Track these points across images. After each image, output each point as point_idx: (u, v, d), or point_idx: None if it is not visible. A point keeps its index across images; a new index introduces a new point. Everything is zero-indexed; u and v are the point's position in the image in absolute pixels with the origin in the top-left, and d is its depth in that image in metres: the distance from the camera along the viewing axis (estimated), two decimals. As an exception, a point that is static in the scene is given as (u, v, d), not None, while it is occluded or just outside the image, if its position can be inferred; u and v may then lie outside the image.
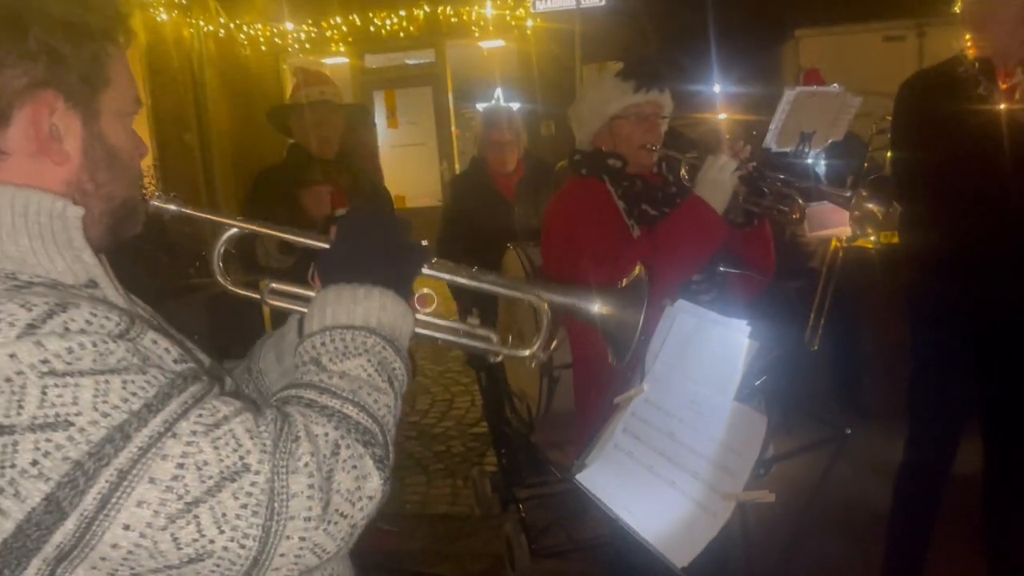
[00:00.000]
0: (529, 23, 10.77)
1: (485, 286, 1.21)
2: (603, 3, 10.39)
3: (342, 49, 11.47)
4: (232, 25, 11.02)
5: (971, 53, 2.61)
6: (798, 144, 2.10)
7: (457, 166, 11.16)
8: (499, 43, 11.29)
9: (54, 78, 0.93)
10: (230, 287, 1.18)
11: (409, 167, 11.63)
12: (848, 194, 1.91)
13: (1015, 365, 2.68)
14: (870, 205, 1.91)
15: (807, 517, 3.83)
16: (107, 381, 0.80)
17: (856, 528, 3.27)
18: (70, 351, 0.79)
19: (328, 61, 11.75)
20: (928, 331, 2.75)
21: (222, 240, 1.16)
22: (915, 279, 2.80)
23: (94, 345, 0.81)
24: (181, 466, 0.80)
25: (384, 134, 11.70)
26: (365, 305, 1.01)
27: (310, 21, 11.20)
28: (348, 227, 1.09)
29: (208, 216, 1.16)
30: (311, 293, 1.11)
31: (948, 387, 2.73)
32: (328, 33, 11.28)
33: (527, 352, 1.24)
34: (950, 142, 2.49)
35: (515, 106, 11.14)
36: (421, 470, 4.59)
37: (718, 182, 2.02)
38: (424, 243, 1.13)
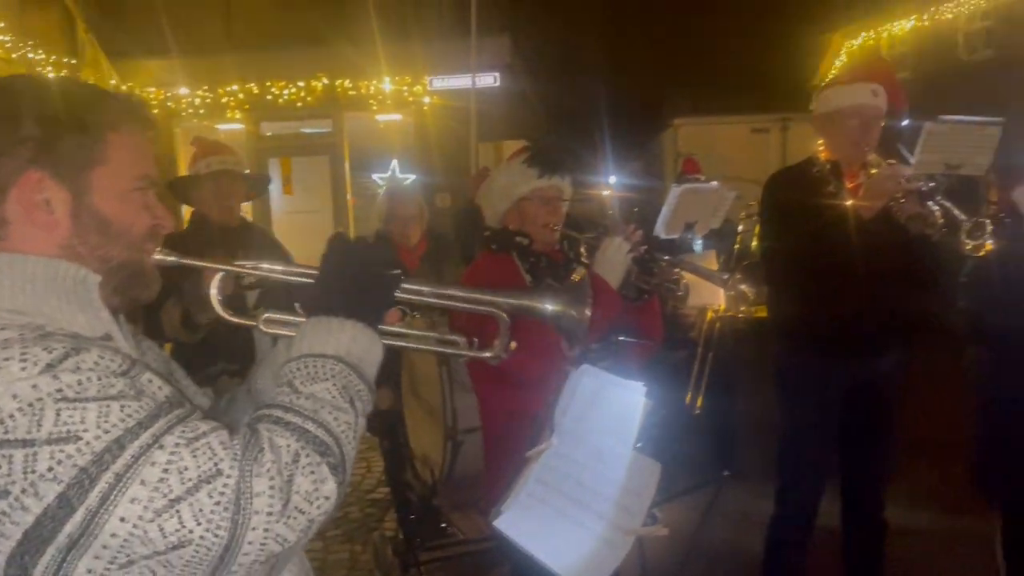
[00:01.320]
0: (426, 99, 11.17)
1: (449, 303, 1.40)
2: (497, 84, 10.91)
3: (238, 116, 11.51)
4: (124, 88, 10.89)
5: (823, 155, 3.04)
6: (683, 231, 2.41)
7: (352, 233, 11.27)
8: (396, 117, 11.61)
9: (42, 160, 1.14)
10: (229, 318, 1.36)
11: (304, 234, 11.63)
12: (725, 276, 2.21)
13: (867, 428, 3.05)
14: (743, 287, 2.22)
15: (692, 562, 4.10)
16: (108, 406, 1.00)
17: (738, 569, 3.51)
18: (79, 383, 1.00)
19: (223, 127, 11.74)
20: (792, 397, 3.09)
21: (215, 282, 1.36)
22: (781, 351, 3.15)
23: (99, 379, 1.02)
24: (166, 471, 0.99)
25: (279, 201, 11.71)
26: (338, 336, 1.21)
27: (206, 87, 11.22)
28: (328, 260, 1.28)
29: (203, 264, 1.37)
30: (300, 319, 1.29)
31: (811, 447, 3.06)
32: (224, 100, 11.31)
33: (490, 354, 1.43)
34: (808, 232, 2.87)
35: (411, 177, 11.48)
36: (318, 536, 4.55)
37: (614, 261, 2.30)
38: (397, 272, 1.31)
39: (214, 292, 1.35)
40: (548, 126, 17.93)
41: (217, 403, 1.43)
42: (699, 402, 4.80)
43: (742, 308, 2.21)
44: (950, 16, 16.88)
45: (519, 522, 1.68)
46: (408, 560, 3.92)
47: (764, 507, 3.25)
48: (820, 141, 3.06)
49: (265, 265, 1.35)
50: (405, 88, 11.15)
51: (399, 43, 10.44)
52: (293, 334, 1.27)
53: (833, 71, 20.28)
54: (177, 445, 1.00)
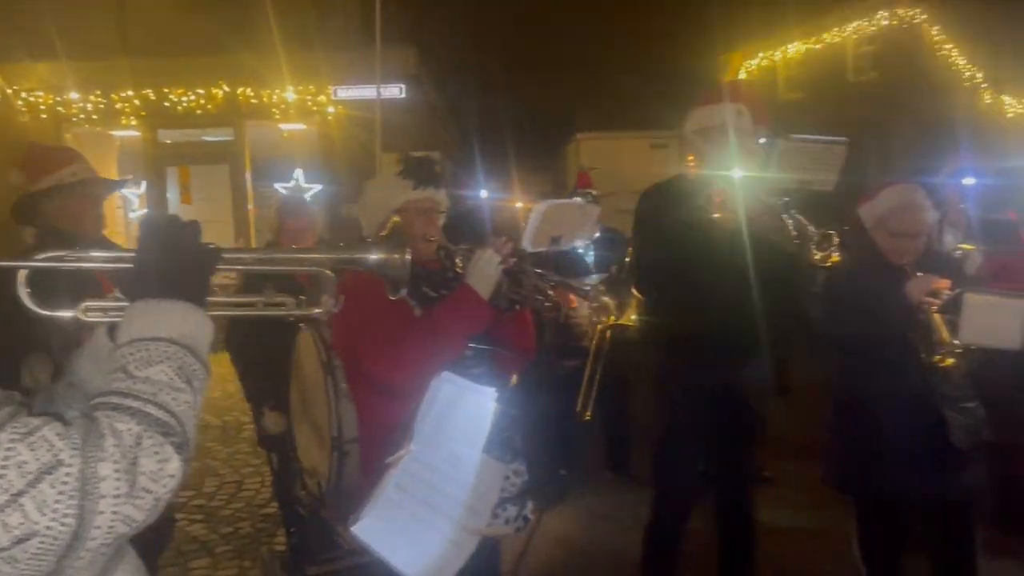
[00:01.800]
0: (331, 109, 11.08)
1: (273, 267, 1.43)
2: (403, 96, 10.92)
3: (134, 122, 11.15)
4: (10, 91, 10.42)
5: (694, 171, 3.19)
6: (550, 245, 2.50)
7: (254, 243, 11.05)
8: (300, 126, 11.46)
9: None
10: (38, 309, 1.33)
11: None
12: (587, 288, 2.30)
13: (738, 430, 3.20)
14: (605, 298, 2.31)
15: (574, 563, 4.20)
16: None
17: (619, 570, 3.59)
18: None
19: (118, 133, 11.37)
20: (666, 401, 3.21)
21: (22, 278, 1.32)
22: (660, 358, 3.28)
23: None
24: (4, 467, 1.00)
25: (177, 210, 11.38)
26: (167, 317, 1.22)
27: (99, 92, 10.83)
28: (144, 245, 1.29)
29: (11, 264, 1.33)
30: (125, 303, 1.29)
31: (685, 450, 3.19)
32: (119, 105, 10.94)
33: (319, 310, 1.46)
34: (678, 244, 3.01)
35: (316, 187, 11.32)
36: (206, 552, 4.49)
37: (485, 273, 2.36)
38: (212, 246, 1.32)
39: (22, 286, 1.31)
40: (457, 138, 18.04)
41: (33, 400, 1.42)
42: (589, 409, 4.92)
43: (604, 319, 2.31)
44: (839, 40, 17.86)
45: (375, 528, 1.72)
46: (296, 574, 3.88)
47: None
48: (690, 157, 3.21)
49: (85, 254, 1.33)
50: (309, 97, 11.03)
51: (302, 52, 10.33)
52: (115, 320, 1.27)
53: (734, 89, 21.09)
54: (12, 440, 1.01)
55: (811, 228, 2.70)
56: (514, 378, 2.80)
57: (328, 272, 1.44)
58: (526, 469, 2.62)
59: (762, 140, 2.94)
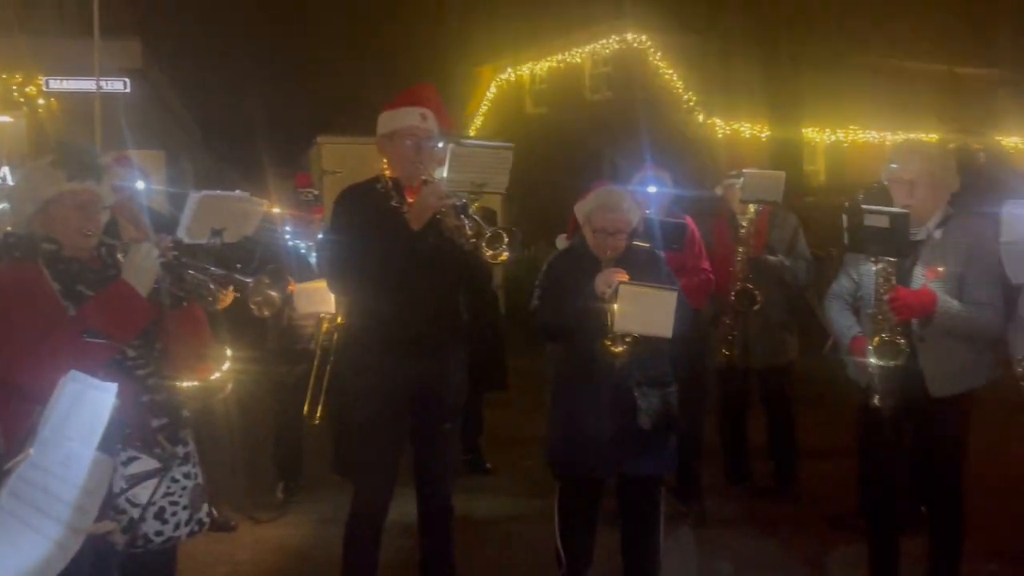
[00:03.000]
0: (41, 100, 10.05)
1: None
2: (128, 91, 10.17)
3: None
4: None
5: (387, 173, 3.27)
6: (211, 237, 2.45)
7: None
8: (5, 118, 10.30)
9: None
10: None
11: None
12: (249, 280, 2.29)
13: (435, 424, 3.31)
14: (271, 291, 2.31)
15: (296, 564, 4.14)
16: None
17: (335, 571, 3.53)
18: None
19: None
20: (361, 398, 3.24)
21: None
22: (350, 353, 3.31)
23: None
24: None
25: None
26: None
27: None
28: None
29: None
30: None
31: (380, 446, 3.24)
32: None
33: None
34: (373, 243, 3.07)
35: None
36: None
37: (142, 268, 2.27)
38: None
39: None
40: (198, 137, 17.08)
41: None
42: (318, 412, 4.85)
43: (266, 311, 2.32)
44: (579, 60, 19.13)
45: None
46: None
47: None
48: (384, 160, 3.29)
49: None
50: (15, 87, 9.94)
51: (5, 38, 9.29)
52: None
53: (485, 102, 21.91)
54: None
55: (487, 227, 2.87)
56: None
57: None
58: (198, 472, 2.56)
59: (439, 144, 3.08)
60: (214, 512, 4.52)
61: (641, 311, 3.00)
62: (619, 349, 3.08)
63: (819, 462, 5.08)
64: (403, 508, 3.47)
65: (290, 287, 4.69)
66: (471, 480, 5.19)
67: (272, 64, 20.81)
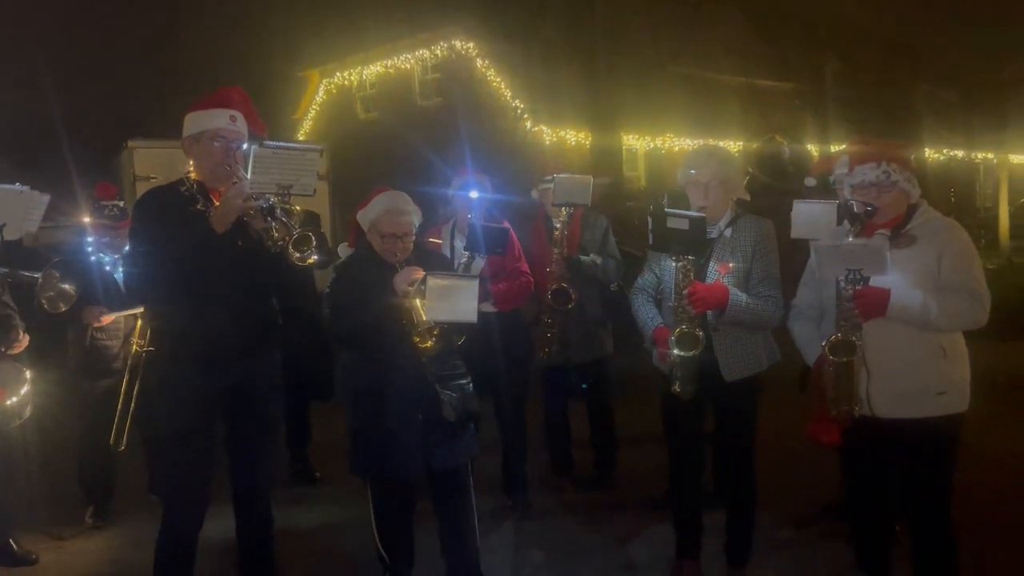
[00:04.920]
0: None
1: None
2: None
3: None
4: None
5: (193, 176, 3.16)
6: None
7: None
8: None
9: None
10: None
11: None
12: (37, 275, 2.15)
13: (250, 428, 3.23)
14: (65, 285, 2.18)
15: None
16: None
17: None
18: None
19: None
20: (169, 406, 3.11)
21: None
22: (156, 362, 3.18)
23: None
24: None
25: None
26: None
27: None
28: None
29: None
30: None
31: (192, 456, 3.12)
32: None
33: None
34: (174, 248, 2.95)
35: None
36: None
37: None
38: None
39: None
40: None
41: None
42: (124, 439, 4.53)
43: (61, 306, 2.18)
44: (409, 67, 19.11)
45: None
46: None
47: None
48: (191, 162, 3.18)
49: None
50: None
51: None
52: None
53: (314, 106, 21.42)
54: None
55: (294, 230, 2.85)
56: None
57: None
58: None
59: (243, 146, 3.02)
60: (13, 546, 4.19)
61: (448, 301, 3.06)
62: (428, 343, 3.12)
63: (635, 449, 5.36)
64: (223, 525, 3.37)
65: (104, 319, 4.43)
66: (297, 491, 5.09)
67: (72, 61, 19.37)
